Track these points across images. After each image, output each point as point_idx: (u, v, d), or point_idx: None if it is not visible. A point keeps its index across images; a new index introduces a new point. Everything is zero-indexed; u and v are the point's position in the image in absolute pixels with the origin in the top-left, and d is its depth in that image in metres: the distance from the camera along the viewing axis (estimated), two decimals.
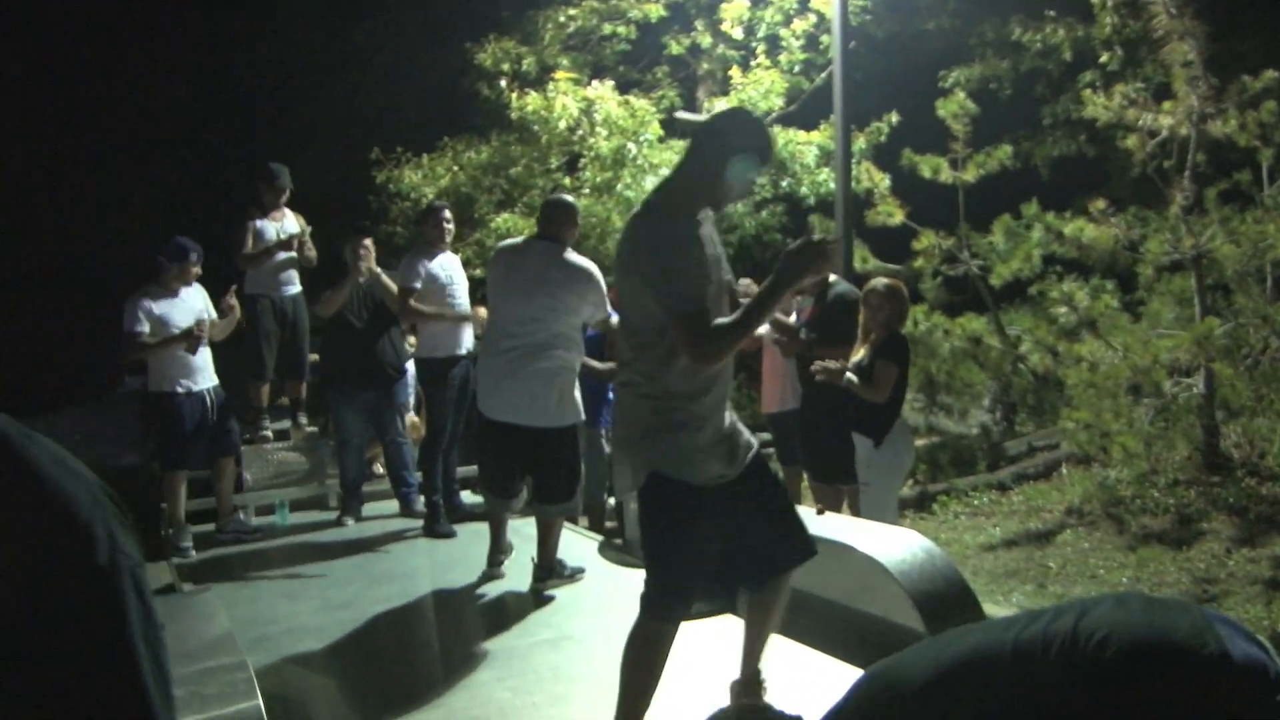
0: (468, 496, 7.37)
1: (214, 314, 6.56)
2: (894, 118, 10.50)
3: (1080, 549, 6.43)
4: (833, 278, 6.53)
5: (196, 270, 6.37)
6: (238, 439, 6.71)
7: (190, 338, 6.05)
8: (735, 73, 10.14)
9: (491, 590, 5.01)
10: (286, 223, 7.11)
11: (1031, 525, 7.14)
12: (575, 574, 5.05)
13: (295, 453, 7.43)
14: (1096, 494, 7.08)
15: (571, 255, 4.89)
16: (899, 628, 3.84)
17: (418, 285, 6.14)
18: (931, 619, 3.78)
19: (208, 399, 6.32)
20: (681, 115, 10.82)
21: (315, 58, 13.55)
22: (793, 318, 7.13)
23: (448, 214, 6.47)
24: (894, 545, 4.07)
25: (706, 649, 3.83)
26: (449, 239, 6.42)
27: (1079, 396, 6.88)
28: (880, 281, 5.81)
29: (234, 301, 6.61)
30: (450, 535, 6.26)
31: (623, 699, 3.09)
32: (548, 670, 3.87)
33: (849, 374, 5.64)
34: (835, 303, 6.30)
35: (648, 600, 3.11)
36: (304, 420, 7.50)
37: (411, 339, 7.83)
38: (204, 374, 6.32)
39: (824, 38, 10.80)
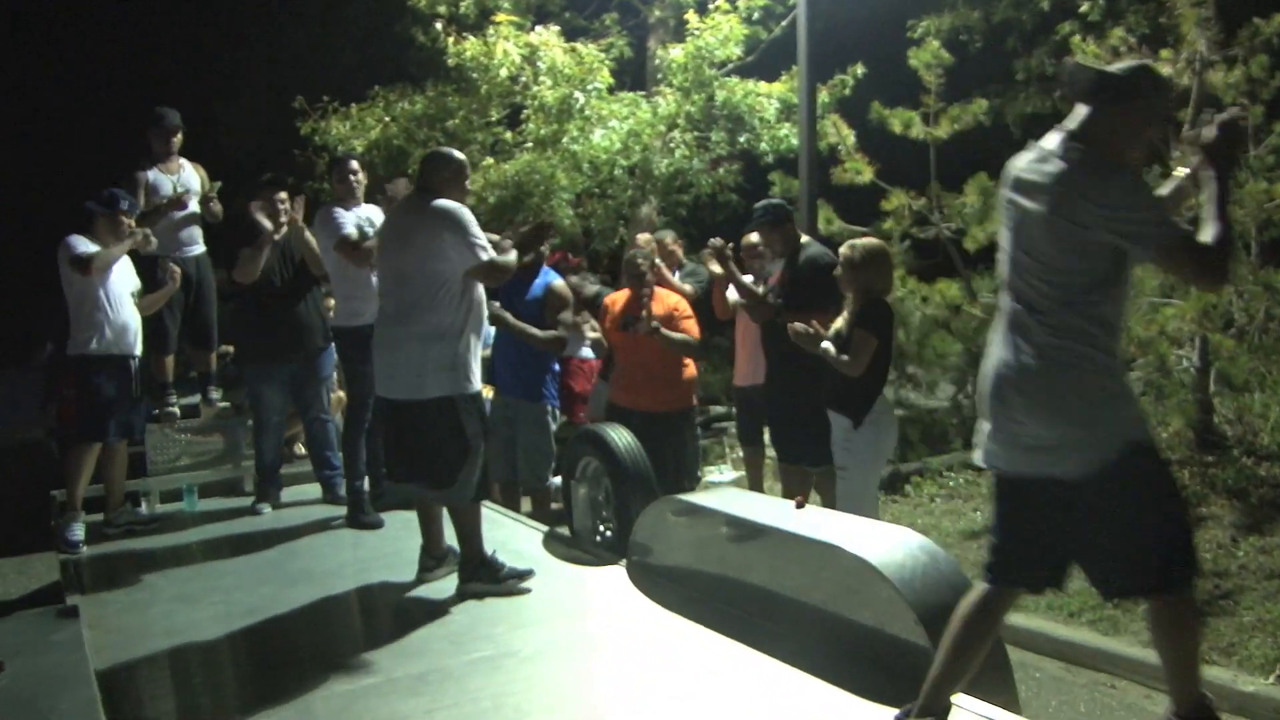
0: None
1: (138, 283, 5.95)
2: (859, 70, 9.95)
3: None
4: (805, 239, 6.01)
5: (129, 222, 5.71)
6: (144, 423, 6.02)
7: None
8: (692, 17, 9.47)
9: (422, 596, 4.41)
10: (185, 175, 6.43)
11: None
12: (514, 579, 4.38)
13: (205, 432, 6.75)
14: None
15: (436, 201, 4.35)
16: (898, 642, 3.32)
17: (352, 231, 5.50)
18: (938, 633, 3.26)
19: (133, 367, 5.65)
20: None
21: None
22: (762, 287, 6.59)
23: (355, 165, 5.85)
24: (889, 546, 3.55)
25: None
26: (359, 193, 5.79)
27: None
28: (860, 243, 5.27)
29: (175, 269, 5.95)
30: (377, 525, 5.66)
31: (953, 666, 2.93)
32: (487, 697, 3.30)
33: (825, 343, 5.11)
34: (806, 266, 5.77)
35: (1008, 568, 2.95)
36: (215, 395, 6.83)
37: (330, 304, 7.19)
38: (132, 338, 5.71)
39: None
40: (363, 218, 5.68)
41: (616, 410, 6.31)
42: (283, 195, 5.99)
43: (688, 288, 6.73)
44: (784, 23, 10.28)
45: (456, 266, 4.27)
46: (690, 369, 6.28)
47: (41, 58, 12.85)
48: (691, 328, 6.12)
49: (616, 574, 4.53)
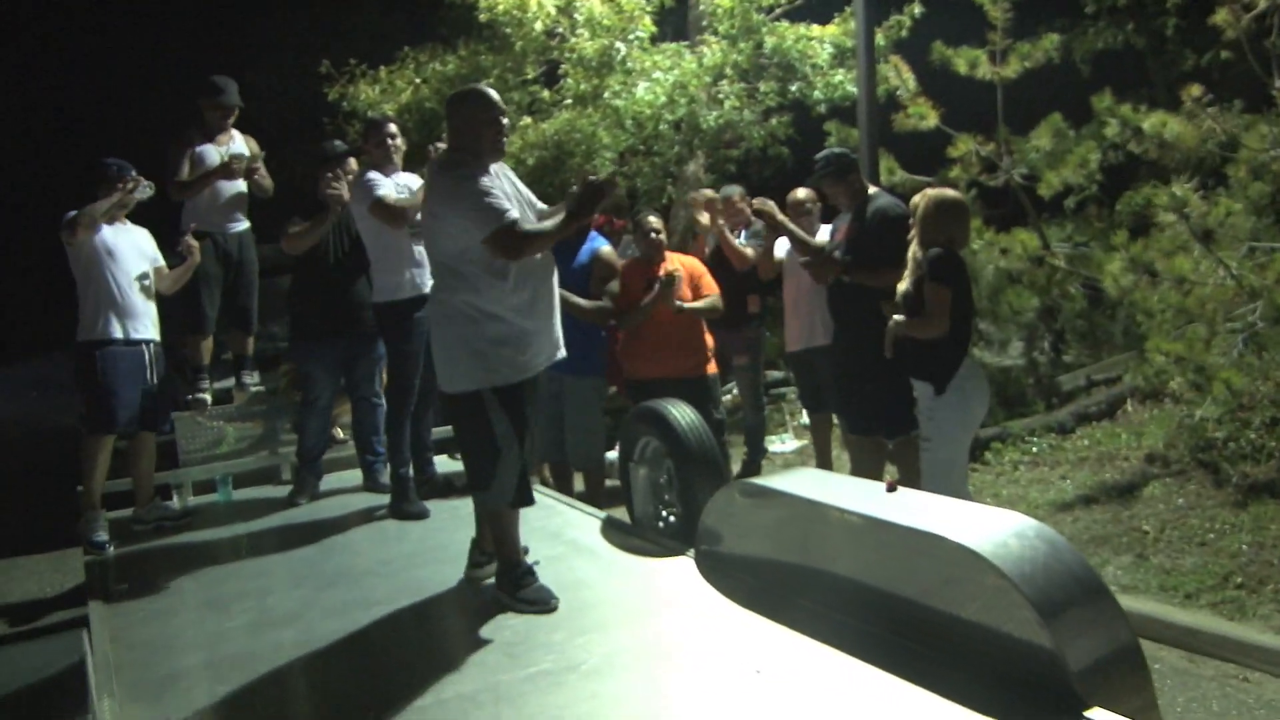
0: (446, 463, 6.40)
1: (160, 260, 5.63)
2: (916, 9, 9.34)
3: (1175, 506, 5.48)
4: (872, 189, 5.52)
5: (136, 196, 5.40)
6: (168, 414, 5.69)
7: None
8: None
9: (471, 598, 4.02)
10: (234, 146, 6.07)
11: (1108, 476, 6.18)
12: (533, 604, 3.78)
13: (240, 419, 6.43)
14: (1181, 437, 6.12)
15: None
16: (1016, 644, 2.88)
17: (389, 192, 5.11)
18: (1065, 636, 2.82)
19: (147, 354, 5.32)
20: None
21: None
22: (821, 236, 6.13)
23: (393, 127, 5.44)
24: (1001, 534, 3.10)
25: None
26: (398, 158, 5.38)
27: (1166, 324, 5.89)
28: (934, 192, 4.79)
29: (193, 242, 5.61)
30: (422, 515, 5.30)
31: None
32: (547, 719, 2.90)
33: (893, 319, 4.69)
34: (876, 219, 5.29)
35: None
36: (250, 380, 6.51)
37: None
38: (145, 322, 5.38)
39: None
40: (401, 185, 5.29)
41: (636, 384, 6.02)
42: (351, 163, 5.62)
43: (749, 251, 6.27)
44: None
45: (467, 236, 3.74)
46: (708, 334, 5.97)
47: (59, 28, 12.53)
48: (711, 286, 5.93)
49: (684, 566, 4.12)
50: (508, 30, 9.01)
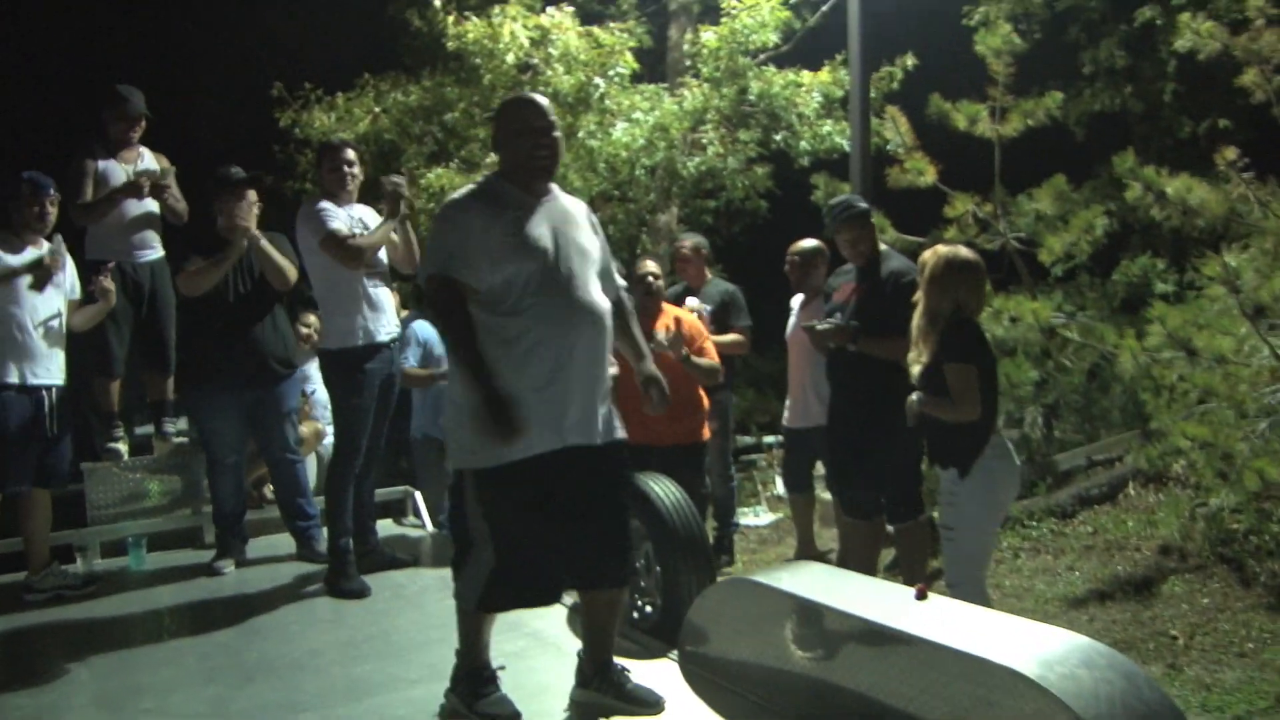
0: (387, 527, 5.82)
1: (75, 291, 5.06)
2: (909, 61, 9.04)
3: (1201, 607, 5.05)
4: (883, 247, 5.07)
5: (52, 213, 4.87)
6: (66, 466, 5.05)
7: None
8: None
9: (419, 703, 3.43)
10: (143, 163, 5.49)
11: (1119, 569, 5.74)
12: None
13: (157, 471, 5.80)
14: (1197, 527, 5.72)
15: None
16: None
17: (341, 226, 4.58)
18: None
19: (47, 401, 4.69)
20: None
21: None
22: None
23: (351, 154, 4.90)
24: (1068, 662, 2.62)
25: None
26: (354, 187, 4.86)
27: (1178, 404, 5.50)
28: (947, 251, 4.32)
29: (108, 284, 5.00)
30: (361, 594, 4.71)
31: None
32: None
33: (912, 397, 4.22)
34: (891, 282, 4.84)
35: None
36: (170, 428, 5.88)
37: (310, 321, 6.25)
38: (47, 365, 4.76)
39: None
40: (354, 217, 4.77)
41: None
42: (250, 195, 5.07)
43: (715, 362, 5.72)
44: (824, 8, 9.39)
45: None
46: (705, 398, 5.47)
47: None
48: (712, 351, 5.45)
49: (666, 671, 3.58)
50: (478, 61, 8.55)
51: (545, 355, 3.05)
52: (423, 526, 6.00)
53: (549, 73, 8.35)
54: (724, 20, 8.41)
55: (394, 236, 4.92)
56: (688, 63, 8.98)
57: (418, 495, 6.24)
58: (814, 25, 9.60)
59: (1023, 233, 7.69)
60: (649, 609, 4.26)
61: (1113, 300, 9.00)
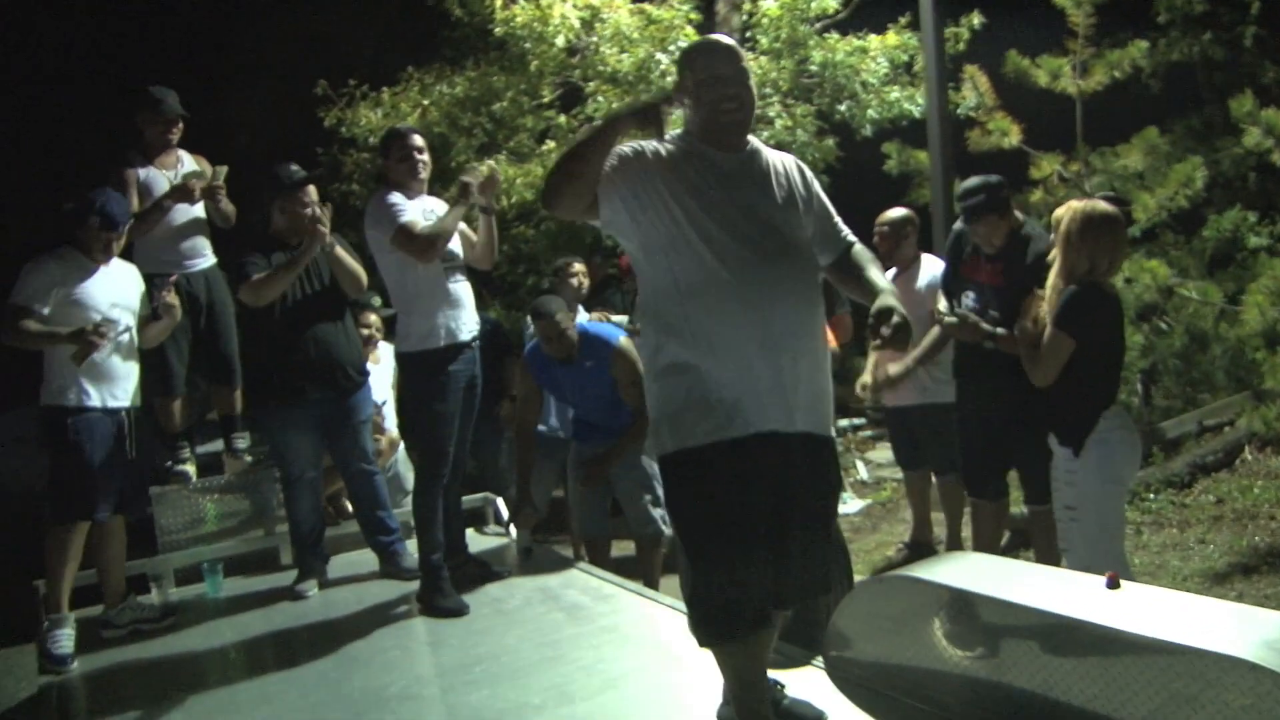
0: (480, 540, 5.55)
1: (144, 306, 4.71)
2: (975, 20, 8.63)
3: None
4: (1026, 224, 4.66)
5: (119, 246, 4.54)
6: (145, 490, 4.80)
7: (82, 339, 4.11)
8: None
9: None
10: (184, 167, 5.23)
11: (1257, 540, 5.39)
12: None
13: (229, 491, 5.55)
14: None
15: None
16: None
17: (416, 218, 4.29)
18: None
19: (126, 423, 4.45)
20: None
21: None
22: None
23: (419, 140, 4.58)
24: None
25: None
26: (425, 176, 4.57)
27: None
28: (1085, 208, 4.01)
29: (172, 300, 4.72)
30: (460, 612, 4.42)
31: None
32: None
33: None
34: (1037, 268, 4.39)
35: None
36: (241, 444, 5.64)
37: (370, 321, 5.98)
38: (125, 386, 4.47)
39: None
40: (428, 211, 4.47)
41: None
42: (311, 194, 4.79)
43: None
44: None
45: None
46: None
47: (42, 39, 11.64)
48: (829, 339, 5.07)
49: (813, 680, 3.26)
50: (528, 46, 8.23)
51: (694, 304, 2.65)
52: (507, 534, 5.70)
53: (602, 53, 8.02)
54: None
55: (471, 232, 4.63)
56: (747, 34, 8.58)
57: (499, 501, 5.96)
58: None
59: (1112, 191, 7.29)
60: None
61: (1203, 258, 8.57)
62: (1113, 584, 2.83)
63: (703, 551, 2.68)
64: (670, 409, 2.68)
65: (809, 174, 2.93)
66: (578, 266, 6.22)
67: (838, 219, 2.95)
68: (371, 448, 5.13)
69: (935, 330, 5.07)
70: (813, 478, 2.74)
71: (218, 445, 5.78)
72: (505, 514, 5.83)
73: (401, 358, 4.57)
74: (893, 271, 5.72)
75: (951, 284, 4.82)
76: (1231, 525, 5.69)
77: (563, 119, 9.05)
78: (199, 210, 5.29)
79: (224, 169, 5.22)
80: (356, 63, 9.35)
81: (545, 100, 8.96)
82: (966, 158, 7.43)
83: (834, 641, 3.33)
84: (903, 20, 8.50)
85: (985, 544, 4.97)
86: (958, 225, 4.83)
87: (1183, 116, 9.59)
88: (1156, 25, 9.02)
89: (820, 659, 3.38)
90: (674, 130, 2.79)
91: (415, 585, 4.65)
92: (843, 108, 8.39)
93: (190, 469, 5.48)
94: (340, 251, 4.79)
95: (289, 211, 4.74)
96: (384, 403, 6.03)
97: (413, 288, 4.41)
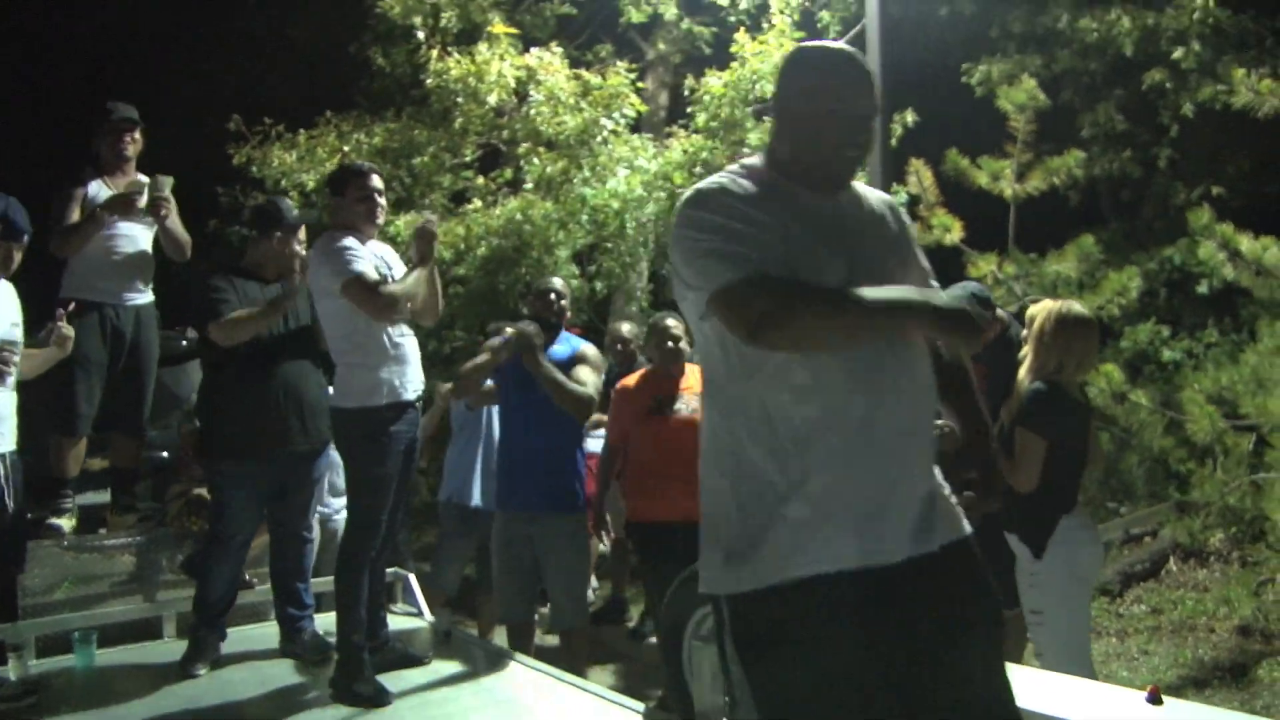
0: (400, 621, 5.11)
1: (20, 331, 4.28)
2: (909, 117, 8.80)
3: None
4: (1002, 315, 4.60)
5: (17, 259, 4.23)
6: (24, 546, 4.26)
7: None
8: (741, 37, 8.10)
9: None
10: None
11: (1201, 652, 5.38)
12: None
13: (112, 552, 4.99)
14: (1271, 602, 5.47)
15: None
16: None
17: (367, 269, 3.97)
18: None
19: (2, 470, 4.00)
20: None
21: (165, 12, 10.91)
22: None
23: (378, 182, 4.28)
24: None
25: None
26: (381, 220, 4.28)
27: (1233, 477, 5.24)
28: (1060, 308, 4.08)
29: (67, 331, 4.26)
30: (380, 702, 3.97)
31: None
32: None
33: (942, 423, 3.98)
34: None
35: None
36: (133, 502, 5.10)
37: None
38: (3, 428, 4.04)
39: (822, 14, 9.06)
40: (379, 257, 4.16)
41: (640, 528, 5.01)
42: (302, 236, 4.53)
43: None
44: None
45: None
46: None
47: None
48: None
49: None
50: (459, 100, 7.99)
51: (850, 415, 2.05)
52: (419, 614, 5.27)
53: (535, 114, 7.83)
54: (733, 66, 8.01)
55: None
56: (689, 109, 8.49)
57: (411, 578, 5.53)
58: None
59: (1036, 296, 7.42)
60: None
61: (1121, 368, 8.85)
62: (1154, 699, 2.67)
63: None
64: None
65: (906, 217, 2.43)
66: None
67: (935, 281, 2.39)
68: (315, 511, 4.73)
69: None
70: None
71: (100, 495, 5.23)
72: (417, 591, 5.40)
73: (339, 415, 4.19)
74: None
75: None
76: (1170, 636, 5.70)
77: (481, 180, 8.82)
78: (145, 243, 4.91)
79: (169, 180, 4.80)
80: (265, 107, 8.95)
81: (467, 158, 8.72)
82: None
83: None
84: None
85: None
86: None
87: (1092, 229, 9.98)
88: (1079, 140, 9.40)
89: None
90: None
91: (323, 667, 4.22)
92: None
93: (66, 523, 4.91)
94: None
95: (282, 248, 4.41)
96: None
97: (358, 339, 4.07)
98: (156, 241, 5.00)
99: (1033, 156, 7.46)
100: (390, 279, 4.16)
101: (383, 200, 4.25)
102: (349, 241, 4.03)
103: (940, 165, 7.42)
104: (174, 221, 4.89)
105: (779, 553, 2.00)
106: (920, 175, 7.28)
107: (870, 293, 1.99)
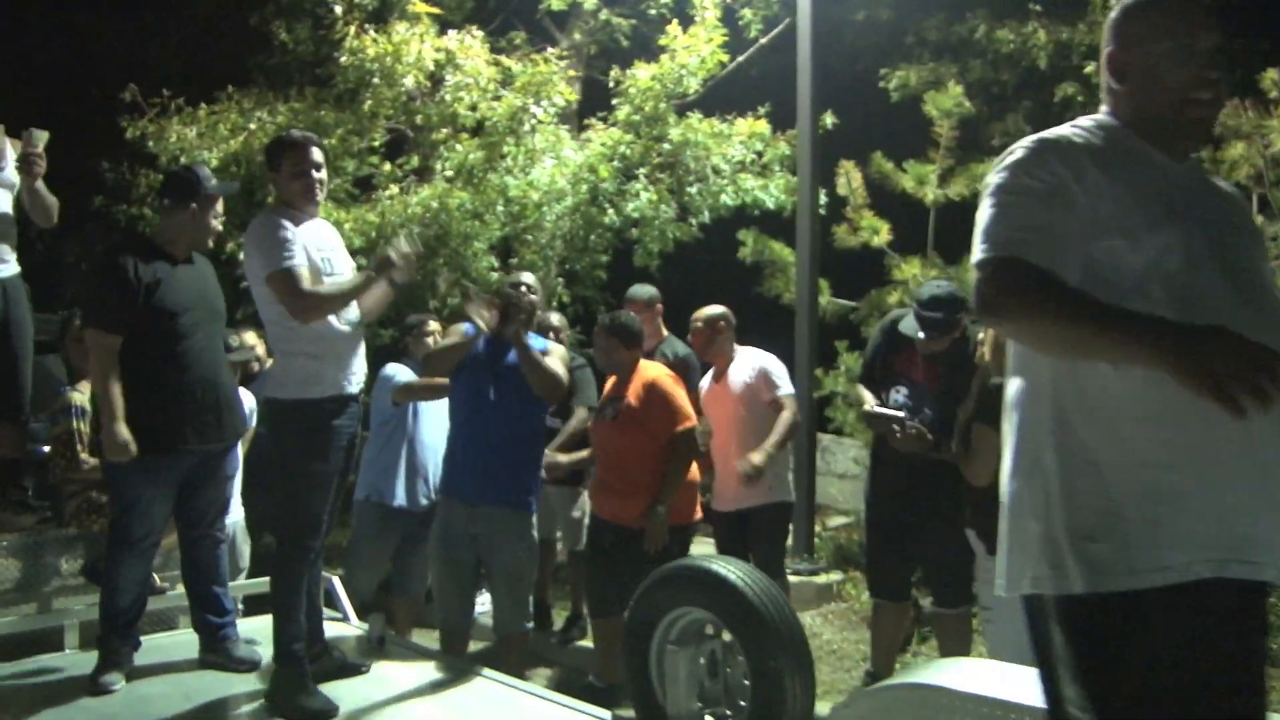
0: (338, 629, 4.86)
1: None
2: (829, 119, 8.88)
3: None
4: (969, 325, 4.65)
5: None
6: None
7: None
8: (673, 30, 8.01)
9: None
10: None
11: None
12: None
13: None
14: None
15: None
16: None
17: (299, 262, 3.73)
18: None
19: None
20: None
21: None
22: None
23: (318, 155, 4.04)
24: None
25: None
26: (322, 197, 4.06)
27: None
28: None
29: None
30: (327, 714, 3.77)
31: None
32: None
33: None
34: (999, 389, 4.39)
35: None
36: (23, 498, 4.73)
37: (247, 341, 5.37)
38: None
39: (744, 11, 9.05)
40: (318, 241, 3.96)
41: (605, 527, 5.02)
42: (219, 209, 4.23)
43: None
44: (739, 58, 9.11)
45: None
46: (694, 470, 4.97)
47: None
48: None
49: None
50: (376, 81, 7.69)
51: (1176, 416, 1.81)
52: (345, 619, 5.01)
53: (455, 100, 7.60)
54: (662, 59, 7.92)
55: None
56: (614, 101, 8.35)
57: (335, 581, 5.26)
58: (719, 76, 9.24)
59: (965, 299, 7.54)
60: None
61: None
62: None
63: None
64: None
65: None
66: (433, 325, 5.82)
67: None
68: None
69: (785, 416, 5.24)
70: None
71: None
72: (343, 595, 5.16)
73: (275, 405, 3.94)
74: (711, 371, 5.64)
75: (878, 374, 4.78)
76: None
77: (388, 166, 8.54)
78: (7, 204, 4.46)
79: (44, 134, 4.35)
80: (154, 74, 8.46)
81: (375, 143, 8.41)
82: (831, 253, 7.52)
83: None
84: (761, 110, 8.59)
85: (885, 647, 4.91)
86: (894, 314, 4.83)
87: None
88: (990, 148, 9.61)
89: None
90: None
91: (251, 678, 3.98)
92: (693, 190, 8.30)
93: None
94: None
95: (198, 221, 4.11)
96: None
97: (298, 326, 3.83)
98: (18, 205, 4.55)
99: (954, 163, 7.61)
100: (328, 264, 3.94)
101: (322, 174, 4.02)
102: (283, 224, 3.80)
103: (865, 168, 7.51)
104: (42, 190, 4.45)
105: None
106: (850, 177, 7.34)
107: (1120, 313, 1.73)
